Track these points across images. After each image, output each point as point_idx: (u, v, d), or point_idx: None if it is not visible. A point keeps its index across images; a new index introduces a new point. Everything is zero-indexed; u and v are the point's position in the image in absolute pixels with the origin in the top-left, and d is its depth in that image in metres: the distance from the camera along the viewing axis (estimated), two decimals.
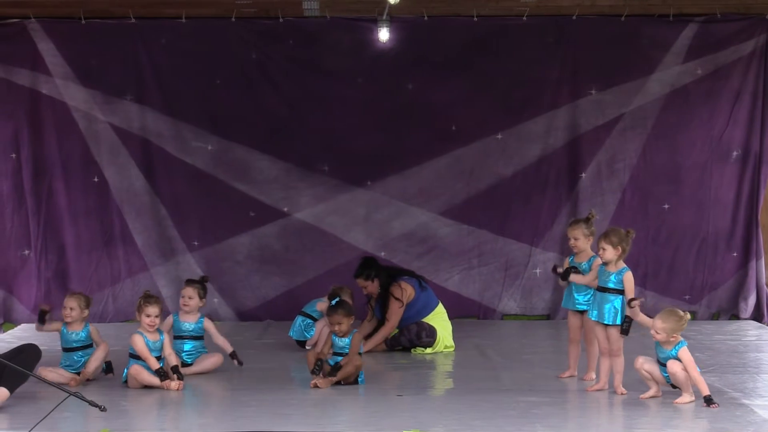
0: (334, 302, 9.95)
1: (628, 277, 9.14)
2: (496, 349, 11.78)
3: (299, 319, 11.81)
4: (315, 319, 11.74)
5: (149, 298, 9.86)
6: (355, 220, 14.14)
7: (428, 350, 11.60)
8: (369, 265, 11.79)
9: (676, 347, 8.88)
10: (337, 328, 9.73)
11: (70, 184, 13.99)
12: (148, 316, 9.72)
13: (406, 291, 11.63)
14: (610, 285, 9.16)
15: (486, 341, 12.35)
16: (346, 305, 9.84)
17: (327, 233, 14.12)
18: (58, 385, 8.63)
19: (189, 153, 14.04)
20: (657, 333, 8.88)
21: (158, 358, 9.68)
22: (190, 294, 10.49)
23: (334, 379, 9.57)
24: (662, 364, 8.95)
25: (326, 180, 14.12)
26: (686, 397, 8.82)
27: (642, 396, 8.99)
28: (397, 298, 11.55)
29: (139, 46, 13.94)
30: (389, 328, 11.60)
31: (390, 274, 11.78)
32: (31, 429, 7.86)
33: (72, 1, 13.44)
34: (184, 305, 10.49)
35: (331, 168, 14.10)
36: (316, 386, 9.48)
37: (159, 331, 9.80)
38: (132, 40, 13.92)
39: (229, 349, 10.55)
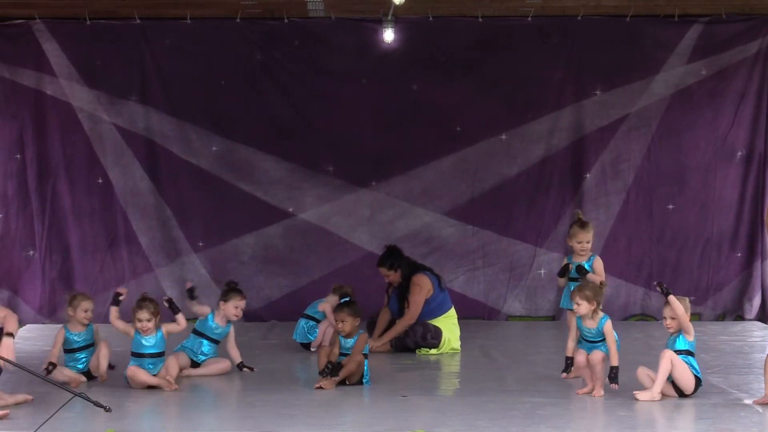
0: (343, 300, 9.98)
1: (608, 328, 9.17)
2: (500, 350, 11.79)
3: (302, 322, 11.80)
4: (318, 321, 11.73)
5: (142, 301, 9.77)
6: (360, 220, 14.14)
7: (433, 351, 11.60)
8: (393, 255, 11.84)
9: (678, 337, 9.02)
10: (340, 325, 9.72)
11: (75, 185, 14.01)
12: (140, 321, 9.65)
13: (426, 284, 11.65)
14: (593, 339, 9.22)
15: (491, 342, 12.36)
16: (353, 306, 9.82)
17: (331, 233, 14.12)
18: (63, 386, 8.64)
19: (193, 154, 14.05)
20: (673, 319, 8.94)
21: (159, 355, 9.66)
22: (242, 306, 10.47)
23: (338, 378, 9.56)
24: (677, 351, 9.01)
25: (331, 180, 14.12)
26: (650, 394, 8.86)
27: (636, 394, 8.98)
28: (417, 284, 11.59)
29: (144, 47, 13.95)
30: (409, 318, 11.60)
31: (412, 266, 11.81)
32: (37, 429, 7.87)
33: (77, 1, 13.44)
34: (236, 316, 10.44)
35: (335, 168, 14.11)
36: (320, 387, 9.48)
37: (158, 329, 9.73)
38: (136, 40, 13.94)
39: (238, 359, 10.54)
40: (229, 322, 10.49)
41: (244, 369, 10.46)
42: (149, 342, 9.66)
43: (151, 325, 9.65)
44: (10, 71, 13.85)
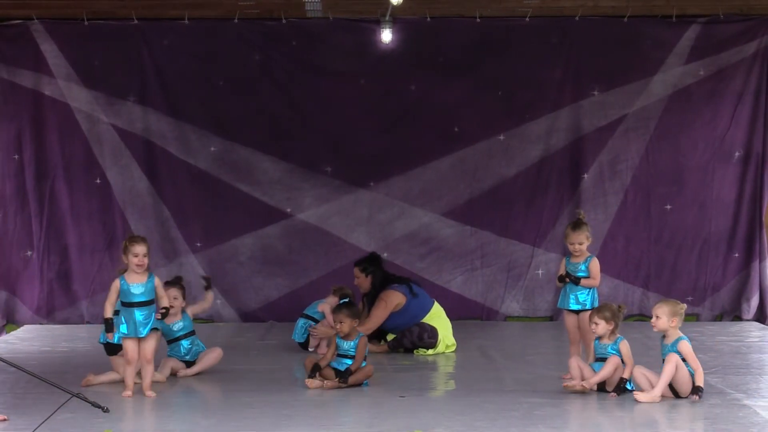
0: (342, 301, 9.98)
1: (625, 348, 9.19)
2: (498, 351, 11.79)
3: (301, 322, 11.80)
4: (317, 321, 11.72)
5: (134, 237, 9.44)
6: (358, 221, 14.15)
7: (430, 351, 11.60)
8: (371, 261, 11.90)
9: (676, 341, 8.92)
10: (338, 327, 9.73)
11: (73, 186, 14.00)
12: (136, 255, 9.24)
13: (392, 301, 11.62)
14: (607, 355, 9.27)
15: (489, 342, 12.36)
16: (352, 307, 9.82)
17: (330, 234, 14.12)
18: (61, 386, 8.64)
19: (192, 154, 14.05)
20: (657, 318, 8.95)
21: (148, 303, 9.28)
22: (175, 294, 10.25)
23: (344, 385, 9.54)
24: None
25: (329, 181, 14.12)
26: (650, 396, 8.85)
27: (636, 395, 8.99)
28: (383, 300, 11.58)
29: (142, 48, 13.96)
30: (368, 327, 11.42)
31: (385, 280, 11.80)
32: (35, 429, 7.87)
33: (75, 2, 13.44)
34: (171, 306, 10.30)
35: (334, 169, 14.11)
36: (322, 387, 9.49)
37: (150, 275, 9.34)
38: (135, 41, 13.94)
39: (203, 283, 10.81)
40: (184, 312, 10.38)
41: (205, 281, 10.77)
42: (139, 290, 9.27)
43: (147, 260, 9.27)
44: (9, 72, 13.85)
